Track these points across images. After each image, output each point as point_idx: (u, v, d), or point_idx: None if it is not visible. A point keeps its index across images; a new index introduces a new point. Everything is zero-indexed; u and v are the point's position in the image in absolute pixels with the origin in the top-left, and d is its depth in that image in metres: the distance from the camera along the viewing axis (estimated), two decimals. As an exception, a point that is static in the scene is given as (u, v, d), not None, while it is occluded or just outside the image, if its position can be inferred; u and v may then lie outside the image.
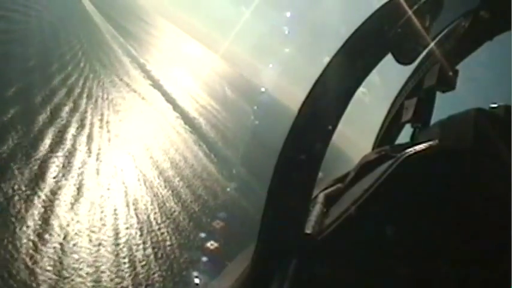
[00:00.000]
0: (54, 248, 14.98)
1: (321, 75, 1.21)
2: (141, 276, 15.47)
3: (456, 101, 1.95)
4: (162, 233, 18.65)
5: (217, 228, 19.89)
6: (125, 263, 15.70)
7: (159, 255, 17.18)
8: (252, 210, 22.51)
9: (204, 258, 17.33)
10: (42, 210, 16.11)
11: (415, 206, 1.23)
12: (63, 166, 19.73)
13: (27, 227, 15.13)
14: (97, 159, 22.31)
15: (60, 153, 20.77)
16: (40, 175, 18.17)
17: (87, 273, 14.60)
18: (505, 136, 1.27)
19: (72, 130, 24.23)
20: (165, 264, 16.82)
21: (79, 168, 20.23)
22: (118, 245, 16.55)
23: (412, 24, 1.27)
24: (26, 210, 15.60)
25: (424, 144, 1.38)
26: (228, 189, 25.38)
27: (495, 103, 1.54)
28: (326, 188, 1.73)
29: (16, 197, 15.88)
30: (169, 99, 41.70)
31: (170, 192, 22.58)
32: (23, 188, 16.46)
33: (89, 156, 22.33)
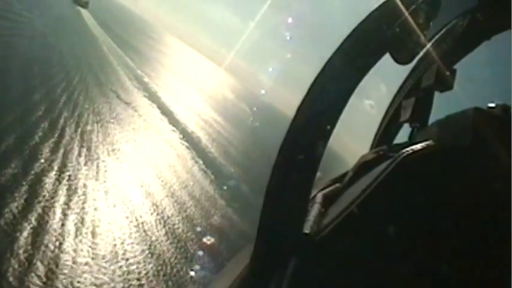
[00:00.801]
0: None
1: (319, 75, 1.21)
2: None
3: (454, 101, 1.95)
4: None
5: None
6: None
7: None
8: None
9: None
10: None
11: (413, 205, 1.23)
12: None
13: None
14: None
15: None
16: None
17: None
18: (503, 135, 1.28)
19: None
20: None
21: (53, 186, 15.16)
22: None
23: (410, 24, 1.27)
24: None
25: (422, 143, 1.39)
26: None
27: (493, 102, 1.54)
28: (324, 188, 1.73)
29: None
30: (166, 111, 36.40)
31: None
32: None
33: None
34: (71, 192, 15.26)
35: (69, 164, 16.99)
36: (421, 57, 2.06)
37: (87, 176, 17.09)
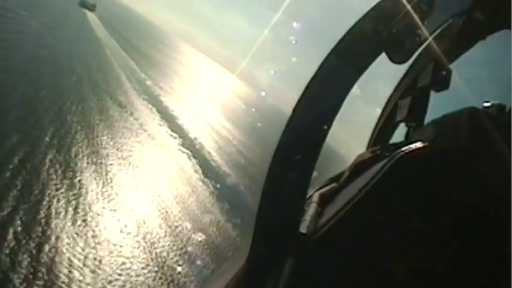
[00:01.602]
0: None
1: (315, 75, 1.21)
2: None
3: (450, 100, 1.96)
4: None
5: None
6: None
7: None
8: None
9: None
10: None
11: (409, 206, 1.23)
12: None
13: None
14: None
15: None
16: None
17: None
18: (499, 135, 1.28)
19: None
20: None
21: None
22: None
23: (406, 23, 1.27)
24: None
25: (418, 143, 1.39)
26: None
27: (488, 102, 1.55)
28: (321, 188, 1.73)
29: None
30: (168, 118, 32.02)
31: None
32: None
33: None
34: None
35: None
36: (417, 57, 2.07)
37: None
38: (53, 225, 13.35)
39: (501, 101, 1.56)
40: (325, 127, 1.20)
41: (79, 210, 14.95)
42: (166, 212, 18.79)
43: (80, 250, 13.02)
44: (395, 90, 2.35)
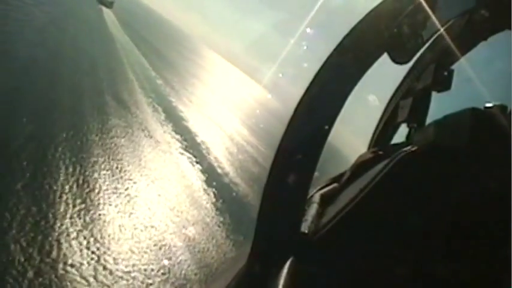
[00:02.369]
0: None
1: (317, 75, 1.21)
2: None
3: (451, 101, 1.96)
4: None
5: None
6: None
7: None
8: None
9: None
10: None
11: (411, 206, 1.23)
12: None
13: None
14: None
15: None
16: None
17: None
18: (501, 136, 1.28)
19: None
20: None
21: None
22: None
23: (408, 24, 1.27)
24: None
25: (419, 144, 1.39)
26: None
27: (490, 103, 1.55)
28: (322, 188, 1.73)
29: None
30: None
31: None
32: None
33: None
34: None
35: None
36: (419, 58, 2.07)
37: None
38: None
39: (503, 101, 1.56)
40: (327, 127, 1.20)
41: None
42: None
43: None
44: (396, 90, 2.35)
